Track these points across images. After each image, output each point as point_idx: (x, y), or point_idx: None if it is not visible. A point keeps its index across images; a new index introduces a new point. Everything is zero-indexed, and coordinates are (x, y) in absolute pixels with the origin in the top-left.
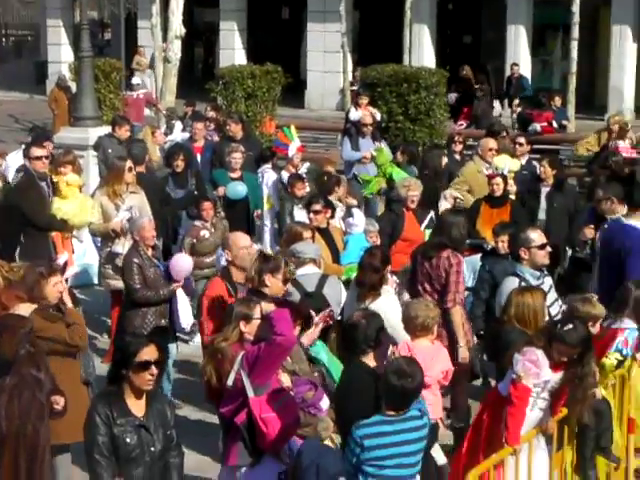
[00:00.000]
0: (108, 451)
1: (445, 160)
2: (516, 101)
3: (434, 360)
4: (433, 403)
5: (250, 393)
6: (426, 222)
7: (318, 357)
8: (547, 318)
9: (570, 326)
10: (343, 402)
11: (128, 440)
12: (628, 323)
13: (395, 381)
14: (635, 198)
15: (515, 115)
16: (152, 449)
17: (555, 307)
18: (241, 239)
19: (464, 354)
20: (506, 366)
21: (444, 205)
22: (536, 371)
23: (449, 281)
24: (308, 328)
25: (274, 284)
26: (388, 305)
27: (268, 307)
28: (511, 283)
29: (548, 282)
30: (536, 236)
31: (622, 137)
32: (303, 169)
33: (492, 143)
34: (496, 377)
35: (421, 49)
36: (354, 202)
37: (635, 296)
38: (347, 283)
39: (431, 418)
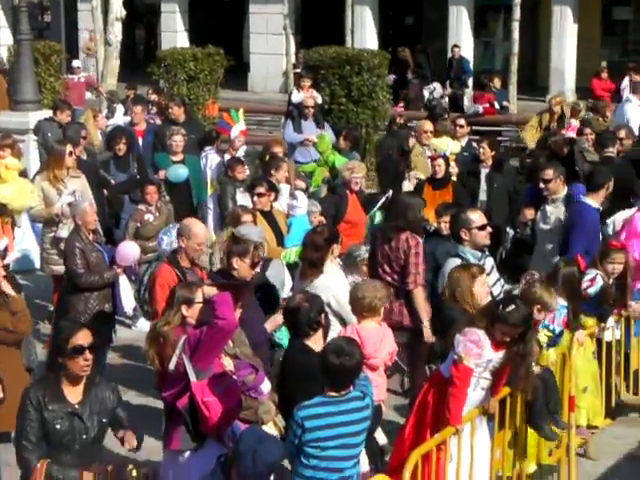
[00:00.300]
0: (36, 437)
1: (413, 141)
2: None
3: (382, 342)
4: (379, 385)
5: (192, 377)
6: (379, 204)
7: (281, 343)
8: (489, 298)
9: (512, 307)
10: (285, 384)
11: (58, 427)
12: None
13: (334, 360)
14: (596, 178)
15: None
16: (84, 436)
17: (497, 287)
18: (199, 234)
19: (428, 334)
20: (448, 347)
21: (407, 186)
22: (477, 351)
23: (408, 263)
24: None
25: (242, 267)
26: (332, 282)
27: (210, 291)
28: (453, 264)
29: (489, 263)
30: (476, 217)
31: (574, 117)
32: (241, 152)
33: (428, 125)
34: (440, 357)
35: (363, 31)
36: (302, 185)
37: (563, 273)
38: (291, 267)
39: (376, 400)
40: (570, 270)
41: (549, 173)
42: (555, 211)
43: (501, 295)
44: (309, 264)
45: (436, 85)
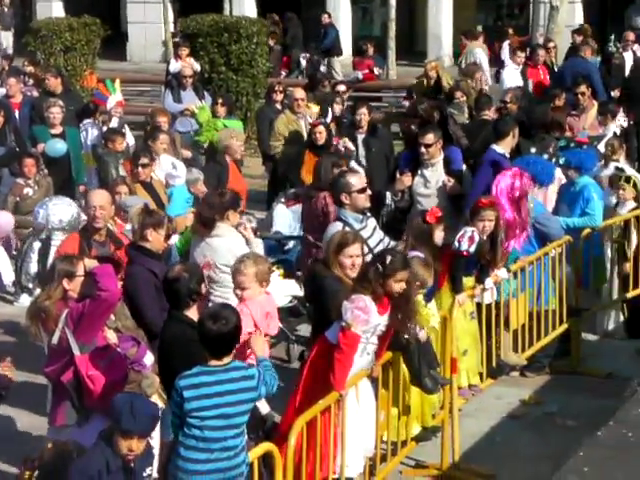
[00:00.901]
0: None
1: (340, 107)
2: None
3: (269, 316)
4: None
5: (76, 351)
6: None
7: None
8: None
9: (389, 257)
10: (166, 356)
11: None
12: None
13: (210, 325)
14: (500, 127)
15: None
16: None
17: (380, 248)
18: (91, 200)
19: None
20: (328, 312)
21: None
22: (365, 318)
23: (328, 221)
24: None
25: (156, 239)
26: (232, 244)
27: (91, 263)
28: (334, 228)
29: (372, 224)
30: (356, 180)
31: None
32: (113, 123)
33: (299, 93)
34: (314, 319)
35: None
36: (188, 154)
37: (412, 225)
38: None
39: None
40: (418, 224)
41: (430, 137)
42: (434, 175)
43: None
44: (201, 222)
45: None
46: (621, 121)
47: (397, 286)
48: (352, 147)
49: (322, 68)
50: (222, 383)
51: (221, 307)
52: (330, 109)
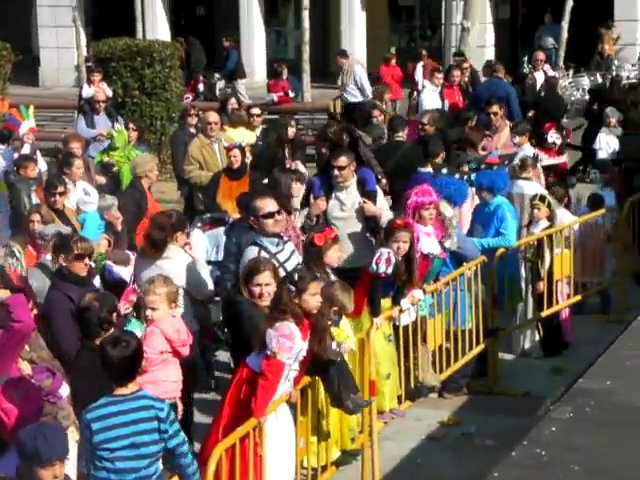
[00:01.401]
0: None
1: (293, 130)
2: (217, 75)
3: (179, 333)
4: (176, 379)
5: None
6: None
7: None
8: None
9: (297, 274)
10: (79, 387)
11: None
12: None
13: (111, 350)
14: (429, 148)
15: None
16: None
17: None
18: None
19: None
20: (246, 338)
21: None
22: (290, 345)
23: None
24: None
25: (76, 266)
26: (182, 266)
27: (3, 293)
28: (251, 253)
29: (289, 248)
30: (262, 204)
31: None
32: (26, 149)
33: (212, 117)
34: (232, 345)
35: (155, 21)
36: (102, 180)
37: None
38: None
39: (171, 397)
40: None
41: (343, 160)
42: (349, 197)
43: None
44: (151, 243)
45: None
46: (554, 138)
47: (313, 300)
48: (304, 170)
49: (217, 91)
50: (129, 412)
51: (120, 332)
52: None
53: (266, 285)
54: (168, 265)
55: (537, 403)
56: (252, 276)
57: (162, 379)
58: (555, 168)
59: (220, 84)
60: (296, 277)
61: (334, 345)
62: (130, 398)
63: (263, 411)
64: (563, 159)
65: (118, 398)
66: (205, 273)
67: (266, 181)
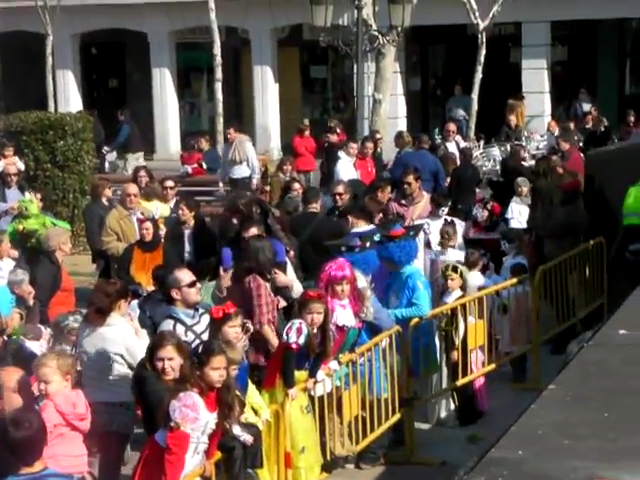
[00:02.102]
0: None
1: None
2: (106, 147)
3: (76, 407)
4: (79, 454)
5: None
6: None
7: None
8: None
9: (202, 347)
10: None
11: None
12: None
13: (14, 432)
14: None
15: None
16: None
17: None
18: None
19: None
20: (150, 413)
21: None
22: (194, 415)
23: (253, 304)
24: None
25: None
26: (122, 334)
27: None
28: (166, 325)
29: (205, 320)
30: (183, 275)
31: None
32: None
33: (131, 189)
34: (144, 421)
35: (67, 94)
36: (15, 254)
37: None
38: None
39: (77, 472)
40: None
41: (254, 231)
42: None
43: None
44: (96, 310)
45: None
46: (478, 212)
47: (215, 374)
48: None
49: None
50: None
51: (21, 411)
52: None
53: (169, 359)
54: (110, 332)
55: (453, 472)
56: (155, 351)
57: (61, 454)
58: (481, 242)
59: (110, 157)
60: (201, 349)
61: (238, 430)
62: (38, 477)
63: None
64: (494, 236)
65: (26, 477)
66: (145, 342)
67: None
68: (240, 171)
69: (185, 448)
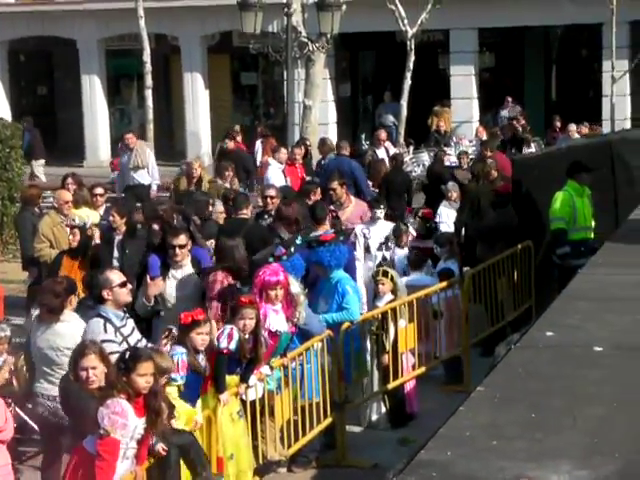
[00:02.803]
0: None
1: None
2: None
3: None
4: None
5: None
6: None
7: None
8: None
9: (129, 353)
10: None
11: None
12: (176, 349)
13: None
14: (317, 213)
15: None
16: None
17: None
18: None
19: None
20: (76, 421)
21: None
22: (123, 422)
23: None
24: None
25: None
26: (75, 329)
27: None
28: (96, 325)
29: (131, 323)
30: (115, 276)
31: None
32: None
33: (66, 196)
34: (72, 431)
35: None
36: None
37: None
38: None
39: None
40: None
41: (182, 238)
42: (183, 273)
43: None
44: (47, 310)
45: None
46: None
47: (141, 380)
48: None
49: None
50: None
51: None
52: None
53: (92, 368)
54: (64, 328)
55: (384, 475)
56: (78, 360)
57: None
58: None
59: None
60: (127, 355)
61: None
62: None
63: None
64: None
65: None
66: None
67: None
68: (140, 178)
69: (116, 454)
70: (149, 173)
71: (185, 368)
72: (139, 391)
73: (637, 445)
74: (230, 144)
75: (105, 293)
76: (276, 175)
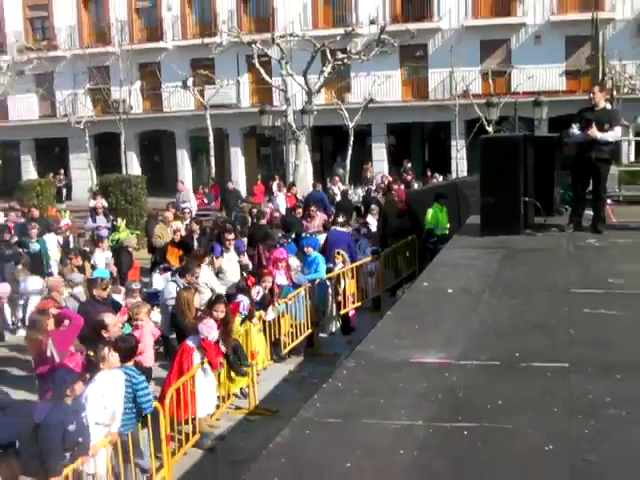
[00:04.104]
0: None
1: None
2: None
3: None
4: None
5: (57, 358)
6: None
7: None
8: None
9: (211, 300)
10: None
11: None
12: (240, 297)
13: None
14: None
15: None
16: None
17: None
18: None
19: None
20: (185, 330)
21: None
22: (211, 330)
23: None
24: None
25: None
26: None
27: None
28: (171, 287)
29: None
30: (199, 270)
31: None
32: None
33: (169, 214)
34: (177, 334)
35: None
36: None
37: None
38: None
39: None
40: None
41: (231, 235)
42: (231, 254)
43: None
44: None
45: None
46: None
47: (216, 314)
48: None
49: None
50: None
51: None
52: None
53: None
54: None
55: (339, 359)
56: (212, 306)
57: None
58: None
59: None
60: (211, 301)
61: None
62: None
63: (216, 365)
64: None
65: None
66: None
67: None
68: (186, 204)
69: (212, 349)
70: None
71: (247, 309)
72: (217, 317)
73: (470, 341)
74: (231, 186)
75: (188, 275)
76: (282, 200)
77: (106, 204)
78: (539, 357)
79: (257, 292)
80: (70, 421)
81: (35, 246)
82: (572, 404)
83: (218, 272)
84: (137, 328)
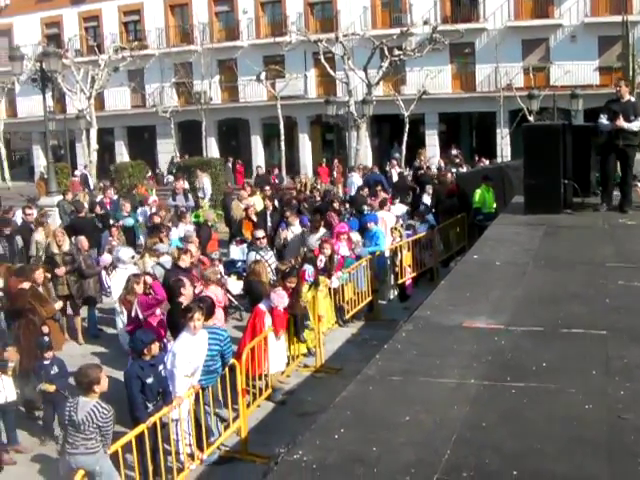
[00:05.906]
0: None
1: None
2: None
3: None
4: None
5: (141, 316)
6: None
7: None
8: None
9: (283, 272)
10: None
11: None
12: (306, 266)
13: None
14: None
15: None
16: None
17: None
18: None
19: None
20: (259, 295)
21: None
22: (282, 300)
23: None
24: None
25: None
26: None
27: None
28: (252, 255)
29: (270, 254)
30: (264, 240)
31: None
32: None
33: (244, 192)
34: (250, 299)
35: None
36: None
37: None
38: None
39: None
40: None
41: (294, 213)
42: (295, 228)
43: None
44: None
45: None
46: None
47: (288, 284)
48: None
49: None
50: None
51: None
52: None
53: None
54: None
55: (397, 325)
56: (285, 277)
57: None
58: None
59: None
60: (284, 273)
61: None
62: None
63: (278, 330)
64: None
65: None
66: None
67: None
68: (200, 193)
69: (281, 315)
70: (204, 192)
71: (312, 276)
72: (288, 287)
73: (516, 308)
74: (262, 172)
75: (257, 241)
76: (357, 179)
77: (187, 186)
78: (579, 324)
79: (320, 260)
80: (148, 374)
81: (129, 221)
82: (609, 367)
83: (283, 244)
84: (207, 289)
